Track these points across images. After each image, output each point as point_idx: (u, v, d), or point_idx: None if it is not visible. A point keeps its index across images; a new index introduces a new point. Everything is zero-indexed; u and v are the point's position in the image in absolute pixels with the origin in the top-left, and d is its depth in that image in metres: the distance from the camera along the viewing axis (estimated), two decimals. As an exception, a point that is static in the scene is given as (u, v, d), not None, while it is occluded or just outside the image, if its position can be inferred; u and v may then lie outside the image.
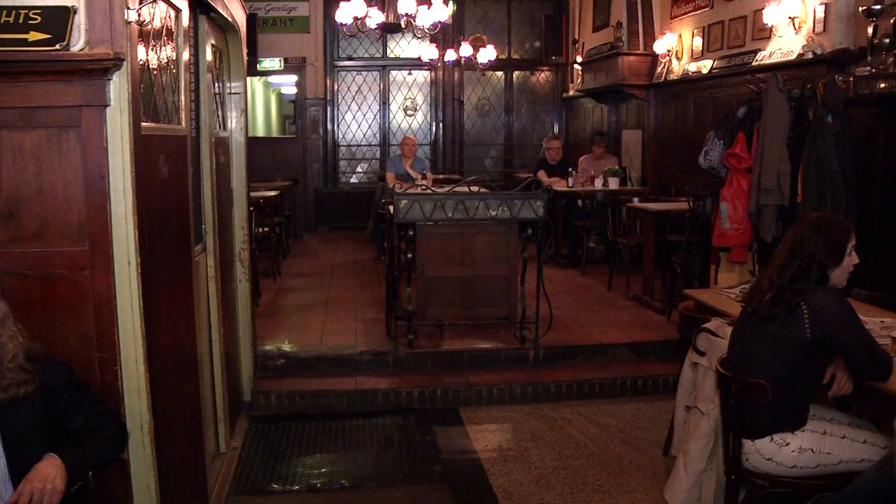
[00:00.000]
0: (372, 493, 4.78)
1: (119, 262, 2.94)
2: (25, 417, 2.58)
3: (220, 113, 5.23)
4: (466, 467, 5.09)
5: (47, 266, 2.96)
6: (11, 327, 2.56)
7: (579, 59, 12.75)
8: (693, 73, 9.34)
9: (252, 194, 6.56)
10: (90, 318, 2.96)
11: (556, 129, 14.37)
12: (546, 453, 5.22)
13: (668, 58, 10.05)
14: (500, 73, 14.41)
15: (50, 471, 2.52)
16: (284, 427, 5.72)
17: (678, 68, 9.82)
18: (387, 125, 14.24)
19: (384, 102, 14.21)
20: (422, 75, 14.28)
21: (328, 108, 13.92)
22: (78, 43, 2.86)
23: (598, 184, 10.09)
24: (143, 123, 3.13)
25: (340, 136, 14.15)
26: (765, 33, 7.81)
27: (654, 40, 10.39)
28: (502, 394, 6.19)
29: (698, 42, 9.37)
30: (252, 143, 6.05)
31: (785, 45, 7.44)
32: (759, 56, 7.85)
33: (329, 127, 13.97)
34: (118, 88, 2.91)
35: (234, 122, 5.67)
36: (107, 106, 2.91)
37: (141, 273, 2.97)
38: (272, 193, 9.68)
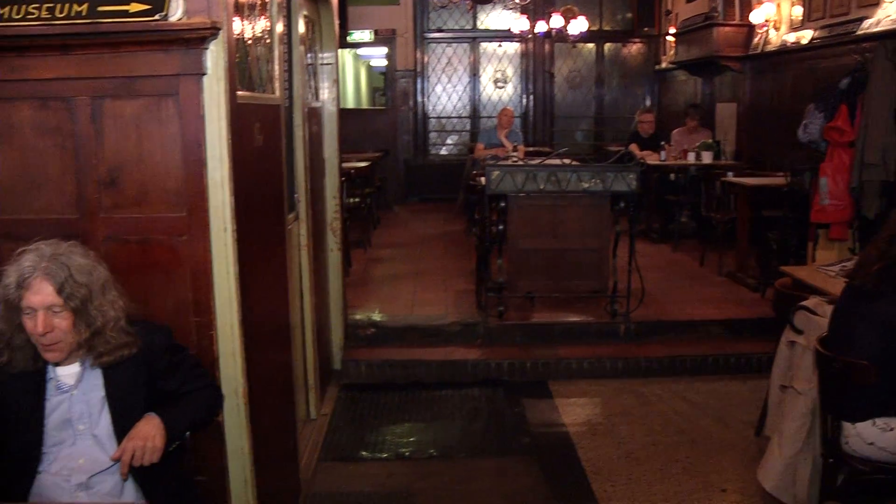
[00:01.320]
0: (460, 463, 4.79)
1: (215, 228, 2.98)
2: (128, 378, 2.66)
3: (312, 83, 5.27)
4: (555, 440, 5.07)
5: (147, 231, 3.02)
6: (112, 293, 2.61)
7: (672, 30, 12.48)
8: (792, 43, 9.04)
9: (343, 165, 6.60)
10: (187, 282, 3.01)
11: (648, 102, 14.10)
12: (635, 429, 5.16)
13: (765, 28, 9.74)
14: (591, 45, 14.17)
15: (150, 429, 2.58)
16: (373, 395, 5.78)
17: (776, 39, 9.52)
18: (477, 97, 14.17)
19: (474, 74, 14.14)
20: (512, 47, 14.14)
21: (418, 80, 13.91)
22: (176, 13, 2.89)
23: (691, 158, 9.87)
24: (239, 92, 3.15)
25: (430, 107, 14.14)
26: (872, 0, 7.51)
27: (750, 10, 10.07)
28: (592, 367, 6.13)
29: (798, 11, 9.06)
30: (343, 114, 6.09)
31: (895, 11, 7.14)
32: (866, 24, 7.54)
33: (419, 99, 13.96)
34: (215, 57, 2.94)
35: (326, 92, 5.71)
36: (204, 74, 2.94)
37: (237, 239, 3.00)
38: (363, 164, 9.74)
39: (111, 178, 3.02)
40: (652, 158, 9.98)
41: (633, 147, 10.33)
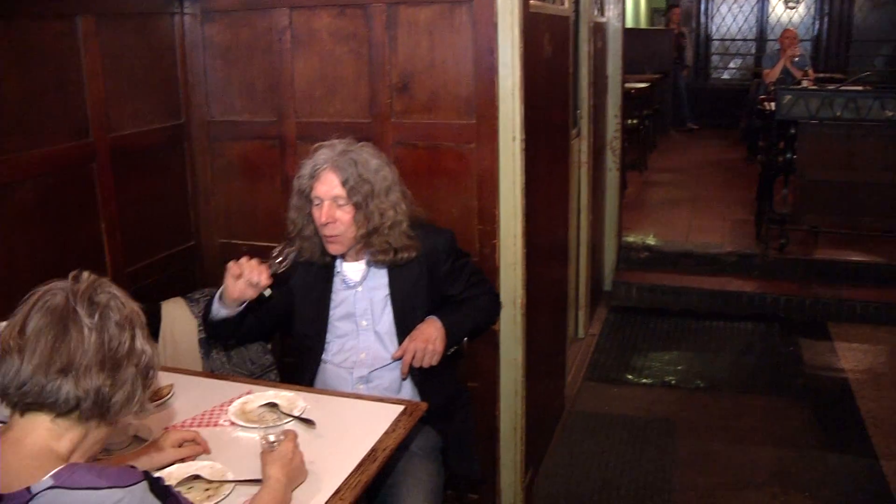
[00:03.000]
0: (727, 397, 4.62)
1: (504, 137, 2.96)
2: (411, 279, 2.71)
3: (598, -2, 5.15)
4: (831, 386, 4.78)
5: (435, 138, 3.06)
6: (395, 195, 2.64)
7: None
8: None
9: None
10: (473, 190, 3.03)
11: (967, 24, 12.64)
12: (926, 385, 4.76)
13: None
14: (904, -43, 12.89)
15: (431, 332, 2.63)
16: (641, 320, 5.70)
17: None
18: (764, 19, 13.35)
19: (763, -7, 13.33)
20: (808, -38, 13.17)
21: (701, 1, 13.28)
22: (475, -81, 2.87)
23: None
24: (531, 1, 3.09)
25: (714, 29, 13.52)
26: None
27: None
28: (878, 313, 5.69)
29: None
30: (624, 33, 5.91)
31: None
32: None
33: (702, 20, 13.36)
34: (508, -35, 2.89)
35: (611, 8, 5.57)
36: (497, -18, 2.91)
37: (524, 149, 2.97)
38: (642, 85, 9.50)
39: (403, 84, 3.07)
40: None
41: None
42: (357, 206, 2.56)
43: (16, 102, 2.58)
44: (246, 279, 2.42)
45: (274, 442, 2.00)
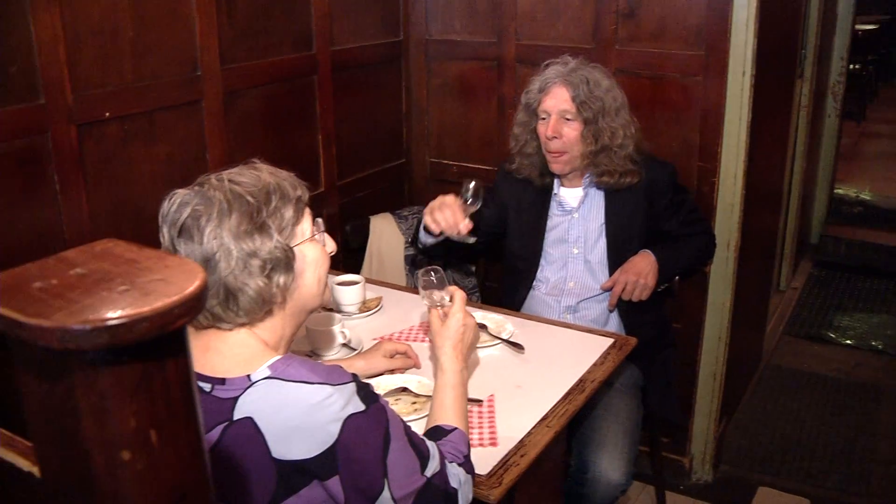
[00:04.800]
0: (942, 371, 4.32)
1: (733, 71, 2.80)
2: (629, 209, 2.65)
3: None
4: None
5: (660, 67, 2.94)
6: (625, 117, 2.58)
7: None
8: None
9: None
10: (696, 125, 2.91)
11: None
12: None
13: None
14: None
15: (644, 266, 2.57)
16: (849, 278, 5.40)
17: None
18: None
19: None
20: None
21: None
22: None
23: None
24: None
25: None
26: None
27: None
28: None
29: None
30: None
31: None
32: None
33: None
34: None
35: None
36: None
37: (753, 86, 2.81)
38: (870, 27, 8.87)
39: (630, 10, 2.97)
40: None
41: None
42: (586, 122, 2.53)
43: (245, 14, 2.64)
44: (447, 235, 2.40)
45: (439, 304, 1.86)
